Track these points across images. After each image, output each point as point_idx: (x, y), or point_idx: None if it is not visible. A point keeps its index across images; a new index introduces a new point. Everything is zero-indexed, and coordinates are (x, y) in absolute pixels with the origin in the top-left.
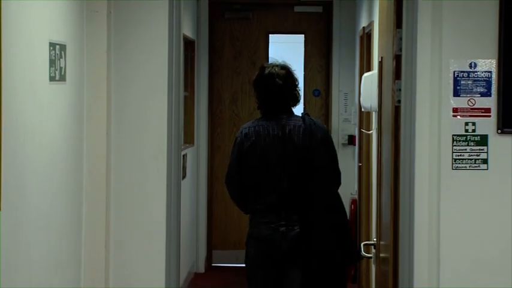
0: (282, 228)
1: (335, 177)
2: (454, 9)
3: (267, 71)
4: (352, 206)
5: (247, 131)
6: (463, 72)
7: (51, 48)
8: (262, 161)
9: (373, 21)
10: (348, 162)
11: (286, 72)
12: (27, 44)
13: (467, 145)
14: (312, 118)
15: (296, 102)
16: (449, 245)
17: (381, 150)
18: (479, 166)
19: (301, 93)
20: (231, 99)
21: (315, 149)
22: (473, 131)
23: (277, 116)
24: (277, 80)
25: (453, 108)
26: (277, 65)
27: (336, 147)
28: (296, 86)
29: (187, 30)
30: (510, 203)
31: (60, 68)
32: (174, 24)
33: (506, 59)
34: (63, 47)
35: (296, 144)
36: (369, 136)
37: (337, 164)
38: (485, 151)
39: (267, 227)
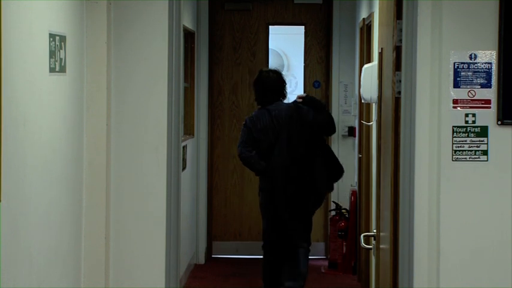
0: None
1: (328, 125)
2: (454, 1)
3: (264, 74)
4: (352, 197)
5: (251, 119)
6: (463, 63)
7: (51, 39)
8: (261, 137)
9: (373, 12)
10: (348, 154)
11: (277, 76)
12: (27, 35)
13: (468, 136)
14: (299, 105)
15: (284, 97)
16: (449, 235)
17: (381, 142)
18: (479, 157)
19: (302, 86)
20: (231, 91)
21: (293, 125)
22: (473, 122)
23: (269, 106)
24: (270, 81)
25: (453, 99)
26: (271, 70)
27: (336, 139)
28: (284, 86)
29: (188, 22)
30: (510, 194)
31: (60, 59)
32: (174, 15)
33: (507, 50)
34: (63, 38)
35: (281, 123)
36: (369, 128)
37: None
38: (485, 142)
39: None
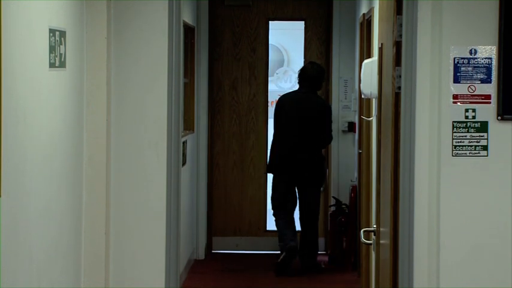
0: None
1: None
2: None
3: (309, 65)
4: (352, 192)
5: (282, 98)
6: (463, 58)
7: (51, 34)
8: (286, 117)
9: (373, 7)
10: (348, 149)
11: (320, 69)
12: (27, 30)
13: (468, 132)
14: (320, 97)
15: (319, 89)
16: (449, 231)
17: (381, 137)
18: (479, 153)
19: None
20: (231, 86)
21: (316, 113)
22: (474, 117)
23: (304, 92)
24: (312, 72)
25: (453, 94)
26: (317, 64)
27: (336, 134)
28: (323, 79)
29: (187, 17)
30: (510, 190)
31: (60, 54)
32: (174, 11)
33: (507, 45)
34: (63, 34)
35: (306, 109)
36: (369, 123)
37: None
38: (485, 138)
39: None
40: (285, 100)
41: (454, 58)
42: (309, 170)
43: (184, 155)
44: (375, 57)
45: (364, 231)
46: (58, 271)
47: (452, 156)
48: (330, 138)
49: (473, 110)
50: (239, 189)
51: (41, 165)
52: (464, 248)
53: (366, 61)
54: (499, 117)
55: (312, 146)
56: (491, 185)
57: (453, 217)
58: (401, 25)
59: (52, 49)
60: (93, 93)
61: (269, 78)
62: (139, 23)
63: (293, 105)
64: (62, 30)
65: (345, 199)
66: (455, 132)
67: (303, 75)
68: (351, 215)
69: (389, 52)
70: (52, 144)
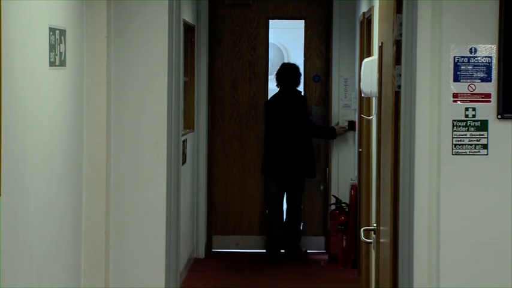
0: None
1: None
2: None
3: (284, 67)
4: (352, 191)
5: (269, 101)
6: (463, 57)
7: (51, 33)
8: (275, 115)
9: (373, 6)
10: (348, 148)
11: (295, 68)
12: (27, 29)
13: (468, 130)
14: (300, 92)
15: (297, 86)
16: (449, 229)
17: (381, 136)
18: (479, 151)
19: (302, 80)
20: (231, 85)
21: (300, 109)
22: (474, 116)
23: (285, 90)
24: (289, 70)
25: (453, 93)
26: (291, 64)
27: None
28: (296, 77)
29: (188, 16)
30: (510, 188)
31: (60, 53)
32: (174, 10)
33: (507, 44)
34: (63, 32)
35: (292, 105)
36: (369, 122)
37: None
38: (485, 136)
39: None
40: (272, 103)
41: (454, 57)
42: (299, 163)
43: (184, 153)
44: (375, 56)
45: (364, 230)
46: (58, 270)
47: (452, 154)
48: (313, 126)
49: (473, 109)
50: (239, 187)
51: (41, 164)
52: (464, 247)
53: (366, 60)
54: (499, 116)
55: (301, 142)
56: (491, 184)
57: (453, 216)
58: (401, 24)
59: (52, 48)
60: (93, 91)
61: (269, 77)
62: (140, 22)
63: (281, 106)
64: (62, 29)
65: (345, 198)
66: (455, 131)
67: (281, 76)
68: (351, 213)
69: (389, 51)
70: (52, 143)
